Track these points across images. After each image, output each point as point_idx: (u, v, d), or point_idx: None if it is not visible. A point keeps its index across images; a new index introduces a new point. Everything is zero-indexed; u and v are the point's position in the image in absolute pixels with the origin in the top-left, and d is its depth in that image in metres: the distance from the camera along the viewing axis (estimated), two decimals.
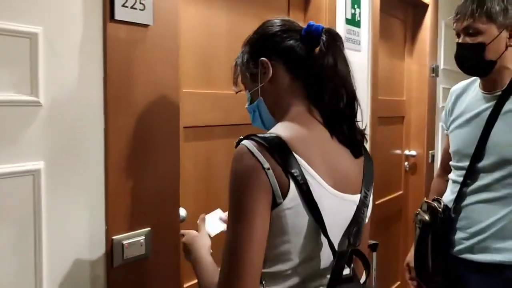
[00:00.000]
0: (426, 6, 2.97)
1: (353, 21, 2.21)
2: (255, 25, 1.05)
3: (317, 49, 0.96)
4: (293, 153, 0.87)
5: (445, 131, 1.70)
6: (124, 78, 1.17)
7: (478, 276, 1.49)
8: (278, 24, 1.00)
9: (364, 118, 1.02)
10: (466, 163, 1.51)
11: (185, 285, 1.50)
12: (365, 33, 2.32)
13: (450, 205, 1.55)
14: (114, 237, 1.17)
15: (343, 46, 0.97)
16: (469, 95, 1.59)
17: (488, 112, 1.48)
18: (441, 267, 1.55)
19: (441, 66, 3.16)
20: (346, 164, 0.97)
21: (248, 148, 0.85)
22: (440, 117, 2.39)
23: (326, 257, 0.93)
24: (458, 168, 1.56)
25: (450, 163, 1.62)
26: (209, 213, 1.21)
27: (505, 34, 1.44)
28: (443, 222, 1.53)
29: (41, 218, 1.03)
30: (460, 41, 1.49)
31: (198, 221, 1.17)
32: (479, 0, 1.43)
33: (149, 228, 1.25)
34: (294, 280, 0.91)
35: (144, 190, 1.24)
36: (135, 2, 1.17)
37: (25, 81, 0.99)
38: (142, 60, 1.21)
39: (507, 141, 1.43)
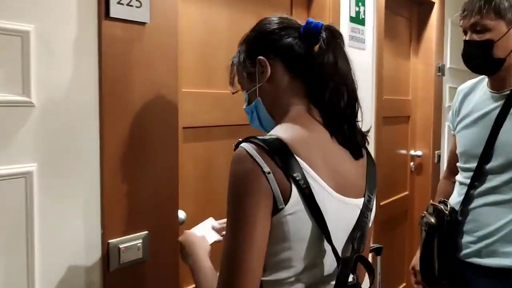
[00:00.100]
0: (432, 3, 2.96)
1: (358, 19, 2.19)
2: (256, 23, 1.02)
3: (317, 46, 0.93)
4: (295, 155, 0.84)
5: (452, 132, 1.68)
6: (120, 77, 1.15)
7: (485, 281, 1.47)
8: (275, 21, 0.97)
9: (367, 118, 0.99)
10: (473, 165, 1.48)
11: None
12: (369, 31, 2.31)
13: (457, 207, 1.53)
14: (110, 241, 1.16)
15: (343, 43, 0.95)
16: (476, 95, 1.57)
17: (497, 111, 1.45)
18: (447, 271, 1.53)
19: (447, 65, 3.15)
20: (347, 167, 0.95)
21: (247, 151, 0.83)
22: (447, 117, 2.37)
23: (329, 264, 0.91)
24: (465, 170, 1.54)
25: (457, 164, 1.60)
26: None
27: None
28: (449, 225, 1.51)
29: (34, 222, 1.01)
30: (467, 38, 1.46)
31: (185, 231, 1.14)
32: None
33: (146, 232, 1.23)
34: None
35: (141, 192, 1.22)
36: None
37: (16, 81, 0.97)
38: (140, 59, 1.19)
39: None
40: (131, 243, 1.19)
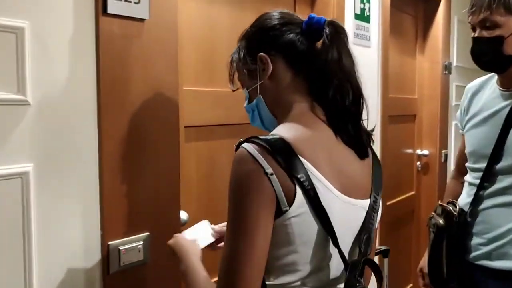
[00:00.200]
0: (438, 1, 2.93)
1: (363, 16, 2.17)
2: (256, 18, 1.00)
3: (320, 42, 0.91)
4: (298, 156, 0.82)
5: (460, 131, 1.65)
6: (119, 75, 1.13)
7: (495, 284, 1.44)
8: (276, 16, 0.95)
9: (372, 116, 0.97)
10: (483, 165, 1.46)
11: None
12: (375, 28, 2.28)
13: (466, 208, 1.50)
14: (110, 243, 1.14)
15: (347, 39, 0.92)
16: (485, 93, 1.54)
17: (507, 110, 1.42)
18: (456, 274, 1.51)
19: (454, 63, 3.12)
20: (352, 167, 0.92)
21: (248, 152, 0.80)
22: (454, 116, 2.34)
23: (335, 267, 0.89)
24: (474, 170, 1.51)
25: (466, 164, 1.57)
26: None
27: None
28: (458, 227, 1.48)
29: (31, 224, 0.99)
30: (476, 35, 1.43)
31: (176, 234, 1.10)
32: None
33: (147, 233, 1.22)
34: None
35: (142, 192, 1.20)
36: None
37: (11, 79, 0.95)
38: (139, 56, 1.17)
39: None
40: (132, 244, 1.17)
